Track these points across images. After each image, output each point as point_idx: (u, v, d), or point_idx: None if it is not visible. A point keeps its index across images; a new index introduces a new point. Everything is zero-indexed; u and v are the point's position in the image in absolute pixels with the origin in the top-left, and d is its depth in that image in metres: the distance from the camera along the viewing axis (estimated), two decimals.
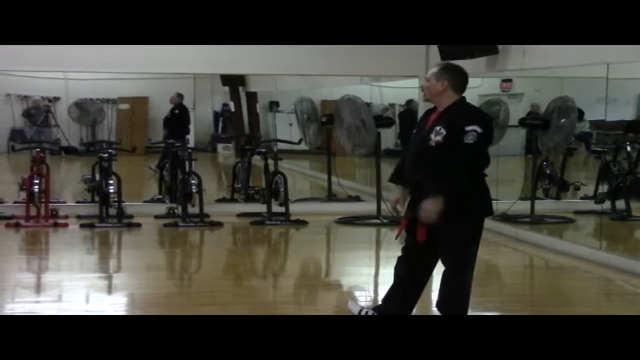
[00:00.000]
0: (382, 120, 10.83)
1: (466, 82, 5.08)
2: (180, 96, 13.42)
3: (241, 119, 15.43)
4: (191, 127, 13.95)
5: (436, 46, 9.61)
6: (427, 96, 5.11)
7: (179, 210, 10.23)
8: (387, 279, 5.50)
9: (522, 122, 10.97)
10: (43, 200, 9.89)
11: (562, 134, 10.21)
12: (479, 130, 4.83)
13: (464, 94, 5.09)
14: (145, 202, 11.32)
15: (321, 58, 10.38)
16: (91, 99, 16.41)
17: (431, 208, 4.84)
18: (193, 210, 10.14)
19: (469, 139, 4.81)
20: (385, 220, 10.25)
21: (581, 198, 11.26)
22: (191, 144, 12.97)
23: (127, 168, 12.93)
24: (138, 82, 15.44)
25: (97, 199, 10.36)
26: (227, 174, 13.52)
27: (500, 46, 9.08)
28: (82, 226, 9.73)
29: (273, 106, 16.29)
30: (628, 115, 12.27)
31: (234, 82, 15.01)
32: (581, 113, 10.94)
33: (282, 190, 10.30)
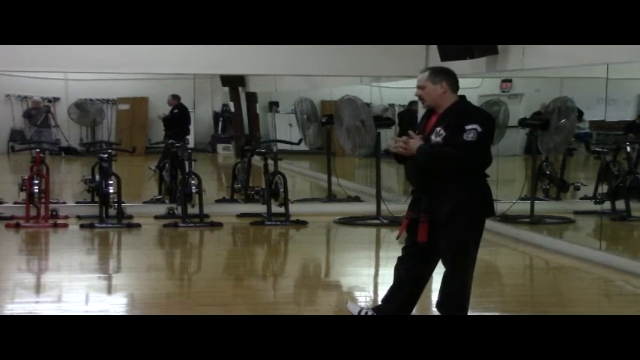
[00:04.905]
0: (382, 120, 10.83)
1: (458, 81, 5.09)
2: (175, 97, 13.42)
3: (241, 120, 15.43)
4: (191, 127, 13.96)
5: (436, 46, 9.62)
6: (427, 103, 5.07)
7: (179, 210, 10.23)
8: (386, 279, 5.50)
9: (522, 122, 10.98)
10: (43, 201, 9.88)
11: (562, 134, 10.22)
12: (479, 128, 4.83)
13: (463, 94, 5.10)
14: (144, 202, 11.31)
15: (321, 59, 10.38)
16: (90, 99, 16.43)
17: (412, 145, 4.93)
18: (193, 210, 10.14)
19: (469, 136, 4.81)
20: (385, 221, 10.25)
21: (581, 198, 11.26)
22: (191, 144, 12.97)
23: (127, 168, 12.95)
24: (137, 83, 15.47)
25: (96, 199, 10.36)
26: (227, 174, 13.52)
27: (500, 46, 9.08)
28: (81, 226, 9.73)
29: (273, 106, 16.29)
30: (628, 115, 12.28)
31: (233, 82, 15.01)
32: (580, 113, 10.95)
33: (281, 190, 10.30)
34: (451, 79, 5.03)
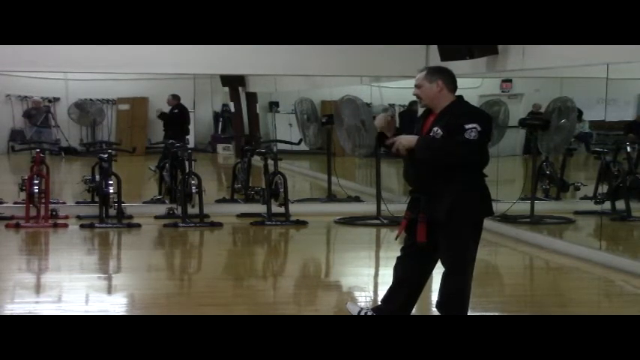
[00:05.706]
0: None
1: (456, 81, 5.09)
2: (175, 97, 13.42)
3: (241, 120, 15.43)
4: (191, 127, 13.96)
5: (436, 46, 9.62)
6: (424, 102, 5.09)
7: (179, 210, 10.23)
8: (386, 279, 5.50)
9: (522, 122, 10.97)
10: (43, 201, 9.88)
11: (562, 135, 10.22)
12: (479, 127, 4.84)
13: (461, 94, 5.10)
14: (144, 202, 11.31)
15: (321, 59, 10.38)
16: (90, 99, 16.42)
17: (406, 143, 4.98)
18: (193, 210, 10.14)
19: (471, 135, 4.82)
20: (385, 221, 10.25)
21: (581, 198, 11.27)
22: (191, 144, 12.97)
23: (127, 168, 12.94)
24: (138, 83, 15.46)
25: (96, 199, 10.36)
26: (227, 174, 13.52)
27: (500, 47, 9.07)
28: (81, 226, 9.73)
29: (273, 106, 16.29)
30: (628, 115, 12.28)
31: (234, 82, 15.02)
32: (579, 113, 10.96)
33: (281, 190, 10.30)
34: (447, 77, 5.04)
